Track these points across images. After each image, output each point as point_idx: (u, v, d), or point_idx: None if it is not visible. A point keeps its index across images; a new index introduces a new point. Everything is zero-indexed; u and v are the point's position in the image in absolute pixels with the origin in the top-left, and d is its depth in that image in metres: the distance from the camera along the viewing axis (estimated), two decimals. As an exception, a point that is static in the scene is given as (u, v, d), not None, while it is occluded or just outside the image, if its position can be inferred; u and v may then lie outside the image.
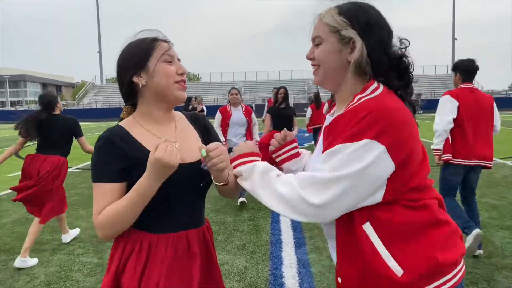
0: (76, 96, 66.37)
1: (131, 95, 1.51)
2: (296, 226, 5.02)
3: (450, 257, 1.23)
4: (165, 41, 1.50)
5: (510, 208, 5.58)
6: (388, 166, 1.16)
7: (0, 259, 4.20)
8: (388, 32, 1.30)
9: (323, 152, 1.25)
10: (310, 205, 1.18)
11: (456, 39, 61.36)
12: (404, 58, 1.31)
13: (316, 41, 1.34)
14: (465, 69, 4.14)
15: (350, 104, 1.26)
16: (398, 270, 1.17)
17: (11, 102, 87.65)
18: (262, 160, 1.40)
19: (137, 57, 1.45)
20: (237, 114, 6.13)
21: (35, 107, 69.94)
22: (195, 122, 1.65)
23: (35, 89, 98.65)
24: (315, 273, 3.68)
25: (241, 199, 6.02)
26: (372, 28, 1.26)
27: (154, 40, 1.48)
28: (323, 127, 1.37)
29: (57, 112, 4.40)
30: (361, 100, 1.24)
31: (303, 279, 3.57)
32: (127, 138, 1.43)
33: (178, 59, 1.52)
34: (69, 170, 9.63)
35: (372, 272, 1.20)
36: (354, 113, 1.20)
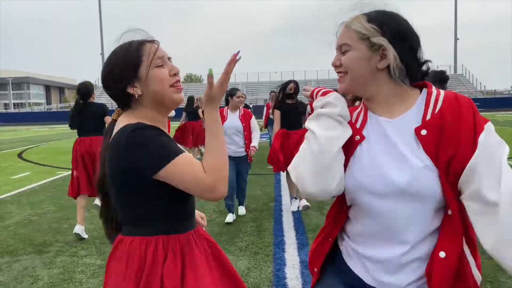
0: (79, 98, 66.36)
1: (125, 102, 1.47)
2: (299, 227, 5.02)
3: None
4: (152, 41, 1.46)
5: (513, 208, 5.56)
6: None
7: (3, 261, 4.21)
8: (417, 39, 1.33)
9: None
10: None
11: (458, 39, 61.26)
12: (428, 62, 1.34)
13: (343, 49, 1.33)
14: (439, 80, 4.77)
15: (429, 100, 1.28)
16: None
17: (14, 104, 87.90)
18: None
19: (127, 68, 1.41)
20: (233, 119, 5.42)
21: (38, 109, 70.21)
22: None
23: (38, 91, 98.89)
24: (318, 274, 3.67)
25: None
26: (402, 35, 1.28)
27: (141, 44, 1.44)
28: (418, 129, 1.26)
29: (91, 100, 5.08)
30: (443, 94, 1.28)
31: (306, 280, 3.57)
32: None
33: (169, 58, 1.48)
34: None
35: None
36: (464, 103, 1.24)
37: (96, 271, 3.89)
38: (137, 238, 1.40)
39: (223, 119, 5.32)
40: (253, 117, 5.54)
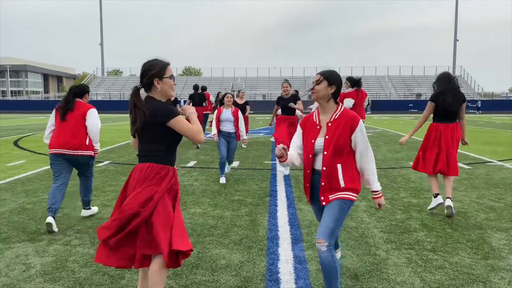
0: (77, 88, 66.06)
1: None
2: (294, 222, 5.02)
3: None
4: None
5: (507, 210, 5.58)
6: None
7: (-4, 248, 4.20)
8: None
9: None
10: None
11: (458, 40, 61.23)
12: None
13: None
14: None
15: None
16: None
17: (12, 92, 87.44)
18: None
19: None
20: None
21: (35, 97, 69.85)
22: None
23: (36, 79, 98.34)
24: (311, 270, 3.68)
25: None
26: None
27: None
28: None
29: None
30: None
31: (299, 275, 3.57)
32: None
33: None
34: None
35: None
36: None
37: (89, 260, 3.88)
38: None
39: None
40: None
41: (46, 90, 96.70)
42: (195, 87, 14.40)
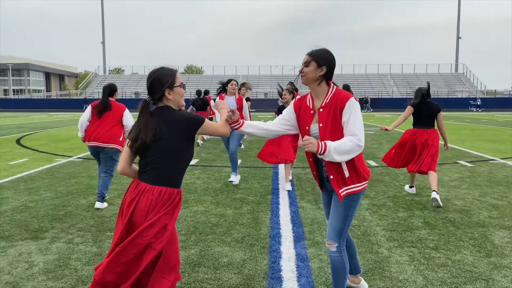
0: (79, 86, 66.32)
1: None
2: (296, 220, 5.02)
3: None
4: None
5: (510, 208, 5.57)
6: None
7: (-1, 246, 4.21)
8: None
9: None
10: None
11: (460, 38, 61.07)
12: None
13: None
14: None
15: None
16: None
17: (14, 90, 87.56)
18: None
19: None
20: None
21: (37, 96, 70.00)
22: None
23: (38, 78, 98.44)
24: (313, 268, 3.68)
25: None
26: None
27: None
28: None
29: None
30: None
31: (301, 273, 3.57)
32: None
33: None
34: (70, 159, 9.66)
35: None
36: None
37: (91, 258, 3.88)
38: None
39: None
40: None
41: (48, 89, 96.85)
42: (198, 93, 13.80)
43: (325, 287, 3.31)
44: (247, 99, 12.32)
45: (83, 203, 5.88)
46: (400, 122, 6.13)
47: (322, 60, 2.68)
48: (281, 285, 3.36)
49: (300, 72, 2.73)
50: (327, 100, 2.67)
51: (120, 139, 5.68)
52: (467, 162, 9.33)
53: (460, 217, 5.18)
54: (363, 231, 4.65)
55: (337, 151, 2.52)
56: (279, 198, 6.18)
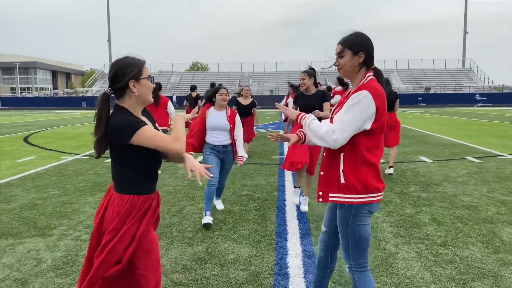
0: (85, 84, 66.61)
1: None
2: (302, 217, 5.02)
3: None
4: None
5: (519, 204, 5.52)
6: None
7: (7, 243, 4.24)
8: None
9: None
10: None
11: (467, 32, 60.58)
12: None
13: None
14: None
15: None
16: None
17: (21, 88, 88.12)
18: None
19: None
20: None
21: (44, 94, 70.36)
22: None
23: (45, 76, 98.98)
24: (320, 264, 3.67)
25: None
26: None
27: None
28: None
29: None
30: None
31: (308, 269, 3.57)
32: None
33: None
34: (77, 157, 9.71)
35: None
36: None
37: (99, 255, 3.90)
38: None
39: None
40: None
41: (55, 87, 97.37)
42: (192, 88, 12.85)
43: (331, 284, 3.31)
44: (253, 103, 9.64)
45: (90, 200, 5.91)
46: None
47: (357, 46, 2.31)
48: (288, 281, 3.36)
49: (336, 65, 2.38)
50: (353, 90, 2.33)
51: (169, 122, 7.78)
52: (474, 158, 9.27)
53: (468, 213, 5.15)
54: (370, 227, 4.63)
55: (311, 128, 2.31)
56: (285, 194, 6.17)
